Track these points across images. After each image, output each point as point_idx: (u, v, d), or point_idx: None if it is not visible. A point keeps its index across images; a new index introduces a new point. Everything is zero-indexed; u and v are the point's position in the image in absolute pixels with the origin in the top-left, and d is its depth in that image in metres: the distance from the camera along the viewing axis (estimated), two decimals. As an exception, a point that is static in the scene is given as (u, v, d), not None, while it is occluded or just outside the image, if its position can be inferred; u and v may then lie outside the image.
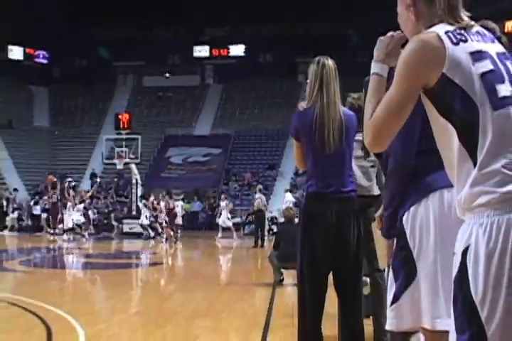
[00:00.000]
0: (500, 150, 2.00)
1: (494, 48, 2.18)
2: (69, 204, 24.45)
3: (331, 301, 4.34)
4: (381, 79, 2.36)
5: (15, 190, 34.12)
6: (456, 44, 2.10)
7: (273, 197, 34.23)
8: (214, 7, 42.61)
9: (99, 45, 47.21)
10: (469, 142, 2.03)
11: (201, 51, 48.41)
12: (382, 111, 2.17)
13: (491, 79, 2.07)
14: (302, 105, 4.42)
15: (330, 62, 4.36)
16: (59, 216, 24.41)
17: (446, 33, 2.12)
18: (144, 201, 26.61)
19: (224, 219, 25.58)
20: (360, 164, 5.64)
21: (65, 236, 23.93)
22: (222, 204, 26.11)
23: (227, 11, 42.63)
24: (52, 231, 24.06)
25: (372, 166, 5.67)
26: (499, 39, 3.09)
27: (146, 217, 25.69)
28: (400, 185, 2.73)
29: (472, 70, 2.07)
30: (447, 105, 2.08)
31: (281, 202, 24.73)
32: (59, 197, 24.32)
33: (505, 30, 39.83)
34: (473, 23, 2.21)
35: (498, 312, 1.90)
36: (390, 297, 2.72)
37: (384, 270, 5.62)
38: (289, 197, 23.80)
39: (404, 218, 2.63)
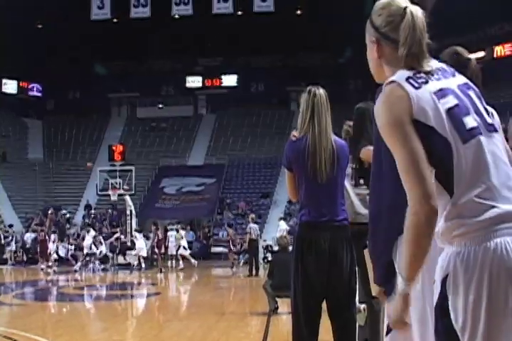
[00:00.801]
0: (473, 181, 2.05)
1: (455, 82, 2.23)
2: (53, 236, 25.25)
3: (326, 328, 4.38)
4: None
5: (10, 226, 33.73)
6: (418, 88, 2.14)
7: (267, 225, 34.21)
8: (206, 38, 43.09)
9: (94, 78, 47.53)
10: (445, 178, 2.09)
11: (194, 81, 48.73)
12: (408, 180, 2.09)
13: (457, 113, 2.12)
14: (295, 134, 4.46)
15: (321, 92, 4.41)
16: (48, 251, 24.97)
17: (407, 79, 2.16)
18: (95, 233, 27.32)
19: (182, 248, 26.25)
20: (358, 191, 5.73)
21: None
22: (183, 233, 26.79)
23: (219, 42, 43.10)
24: (43, 267, 24.37)
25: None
26: (467, 63, 3.14)
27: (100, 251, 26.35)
28: (394, 232, 2.59)
29: (439, 108, 2.11)
30: (424, 148, 2.11)
31: (276, 230, 24.77)
32: (48, 232, 25.02)
33: (495, 56, 40.26)
34: (432, 67, 2.23)
35: (478, 339, 1.96)
36: (385, 327, 2.76)
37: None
38: (283, 226, 23.87)
39: (393, 248, 2.66)
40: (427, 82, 2.17)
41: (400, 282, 2.13)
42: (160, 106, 47.92)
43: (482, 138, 2.11)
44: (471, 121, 2.13)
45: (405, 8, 2.23)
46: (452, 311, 1.99)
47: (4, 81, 46.65)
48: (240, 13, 41.30)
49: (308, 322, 4.24)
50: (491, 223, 2.00)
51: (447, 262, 2.04)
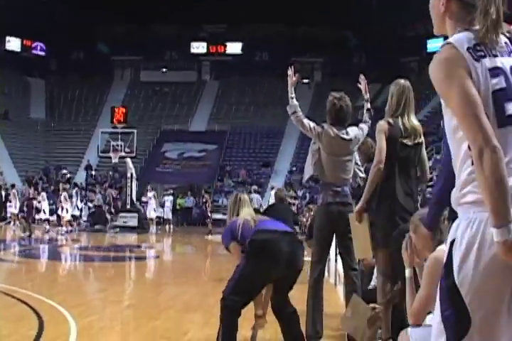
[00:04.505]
0: None
1: (510, 62, 2.22)
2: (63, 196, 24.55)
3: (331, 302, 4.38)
4: None
5: (12, 186, 32.57)
6: (477, 60, 2.15)
7: (267, 194, 34.29)
8: (212, 4, 42.60)
9: (98, 39, 47.20)
10: None
11: (198, 47, 48.39)
12: (467, 126, 2.09)
13: (500, 97, 2.15)
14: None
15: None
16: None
17: (468, 49, 2.16)
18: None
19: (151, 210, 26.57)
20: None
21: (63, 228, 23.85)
22: (150, 194, 26.93)
23: (225, 8, 42.62)
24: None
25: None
26: None
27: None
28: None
29: (487, 87, 2.14)
30: None
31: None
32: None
33: None
34: (497, 41, 2.22)
35: (476, 297, 2.09)
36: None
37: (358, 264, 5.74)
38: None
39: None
40: (484, 56, 2.17)
41: (496, 232, 2.03)
42: (163, 70, 47.62)
43: None
44: (511, 108, 2.16)
45: None
46: (456, 271, 2.12)
47: (8, 38, 46.27)
48: (247, -22, 40.79)
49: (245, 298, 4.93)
50: None
51: (456, 226, 2.17)
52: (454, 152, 2.22)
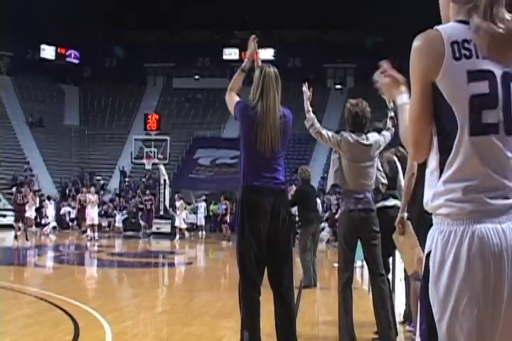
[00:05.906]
0: (466, 173, 2.01)
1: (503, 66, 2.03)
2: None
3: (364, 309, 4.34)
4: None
5: (49, 198, 30.09)
6: (457, 59, 1.99)
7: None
8: (244, 11, 42.77)
9: (131, 47, 47.61)
10: (442, 152, 2.05)
11: (231, 54, 48.55)
12: (409, 119, 2.13)
13: (480, 103, 1.98)
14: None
15: (272, 70, 5.05)
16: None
17: (453, 43, 1.99)
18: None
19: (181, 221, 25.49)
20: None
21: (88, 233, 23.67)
22: (178, 204, 25.99)
23: (256, 14, 42.75)
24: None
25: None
26: None
27: None
28: None
29: (463, 90, 1.98)
30: (434, 109, 2.06)
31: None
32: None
33: None
34: (502, 28, 1.99)
35: (446, 313, 2.01)
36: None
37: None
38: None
39: None
40: (469, 57, 2.00)
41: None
42: (196, 77, 47.86)
43: (494, 137, 2.01)
44: (491, 117, 2.00)
45: None
46: (430, 284, 2.05)
47: (42, 46, 46.97)
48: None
49: (251, 276, 4.63)
50: (472, 210, 2.01)
51: (431, 238, 2.08)
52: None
